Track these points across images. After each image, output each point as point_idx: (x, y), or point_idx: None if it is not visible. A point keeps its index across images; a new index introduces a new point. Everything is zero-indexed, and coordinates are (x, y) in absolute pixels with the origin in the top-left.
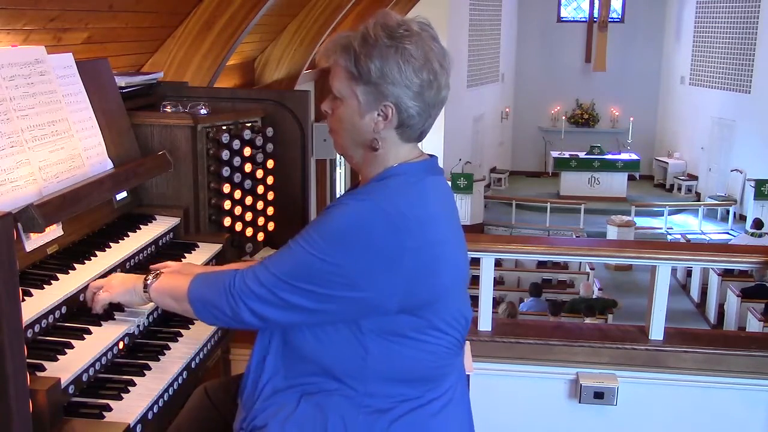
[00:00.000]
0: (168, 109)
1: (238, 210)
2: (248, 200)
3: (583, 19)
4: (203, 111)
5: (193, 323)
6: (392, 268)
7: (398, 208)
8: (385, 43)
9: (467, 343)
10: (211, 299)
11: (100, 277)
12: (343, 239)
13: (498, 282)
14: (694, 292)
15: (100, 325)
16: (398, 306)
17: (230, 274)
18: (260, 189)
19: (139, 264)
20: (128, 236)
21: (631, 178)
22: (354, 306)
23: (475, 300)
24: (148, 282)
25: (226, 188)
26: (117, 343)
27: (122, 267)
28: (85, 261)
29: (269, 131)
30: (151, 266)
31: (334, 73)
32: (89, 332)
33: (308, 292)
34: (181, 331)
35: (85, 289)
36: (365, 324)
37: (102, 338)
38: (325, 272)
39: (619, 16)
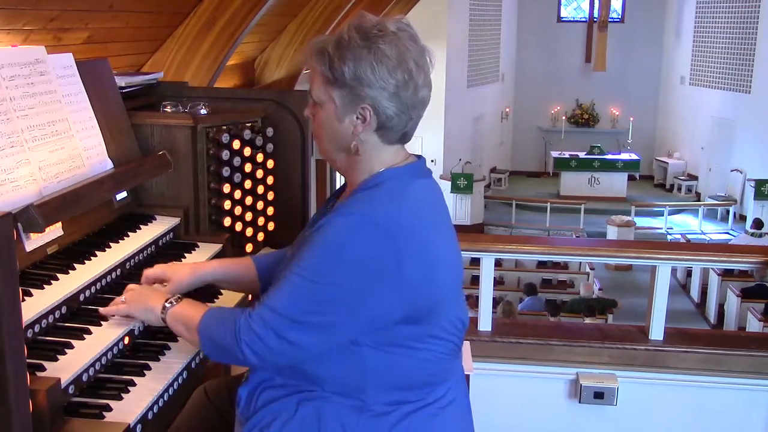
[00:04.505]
0: (168, 109)
1: (238, 210)
2: (248, 200)
3: (583, 19)
4: (203, 111)
5: None
6: (392, 278)
7: (388, 216)
8: (358, 44)
9: (467, 343)
10: (218, 339)
11: (100, 277)
12: (338, 258)
13: (498, 282)
14: (694, 292)
15: (100, 325)
16: (402, 316)
17: (238, 315)
18: (260, 189)
19: (140, 264)
20: (128, 236)
21: (631, 178)
22: (360, 324)
23: (475, 300)
24: (167, 306)
25: (226, 188)
26: (117, 343)
27: (122, 267)
28: (85, 261)
29: (269, 131)
30: (152, 268)
31: (312, 78)
32: (89, 332)
33: (312, 325)
34: None
35: (85, 289)
36: (360, 337)
37: (102, 338)
38: (327, 296)
39: (619, 16)
